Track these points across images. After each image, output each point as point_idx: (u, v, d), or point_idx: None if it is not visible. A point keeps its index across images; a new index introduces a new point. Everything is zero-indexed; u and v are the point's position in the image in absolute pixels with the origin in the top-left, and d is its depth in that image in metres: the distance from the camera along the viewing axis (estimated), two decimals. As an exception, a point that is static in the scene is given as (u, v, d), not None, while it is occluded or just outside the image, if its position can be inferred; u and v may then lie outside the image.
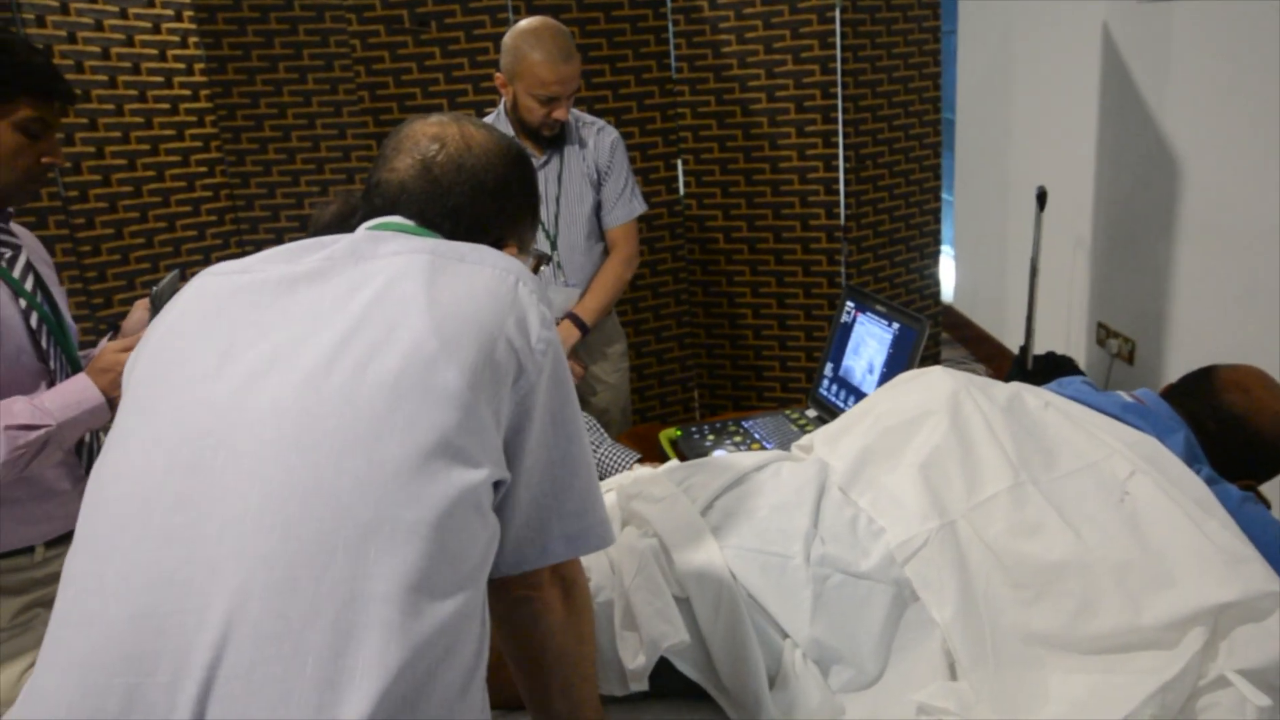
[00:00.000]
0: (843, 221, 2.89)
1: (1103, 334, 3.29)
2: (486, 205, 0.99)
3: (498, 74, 2.17)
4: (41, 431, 1.27)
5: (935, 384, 1.38)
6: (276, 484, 0.74)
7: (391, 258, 0.87)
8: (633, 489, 1.38)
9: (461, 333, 0.81)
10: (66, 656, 0.72)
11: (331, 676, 0.68)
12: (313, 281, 0.86)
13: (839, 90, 2.80)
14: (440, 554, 0.75)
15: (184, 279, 1.52)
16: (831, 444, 1.42)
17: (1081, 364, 3.38)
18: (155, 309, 1.42)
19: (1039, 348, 3.29)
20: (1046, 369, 3.17)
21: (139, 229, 2.65)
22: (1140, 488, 1.20)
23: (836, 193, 2.88)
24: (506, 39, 2.13)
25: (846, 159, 2.87)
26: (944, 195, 5.18)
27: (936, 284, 3.25)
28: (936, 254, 3.21)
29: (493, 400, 0.82)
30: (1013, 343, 4.11)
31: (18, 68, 1.30)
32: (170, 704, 0.68)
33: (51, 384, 1.38)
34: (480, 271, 0.87)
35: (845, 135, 2.84)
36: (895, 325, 1.97)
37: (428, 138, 0.99)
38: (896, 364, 1.95)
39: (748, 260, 3.02)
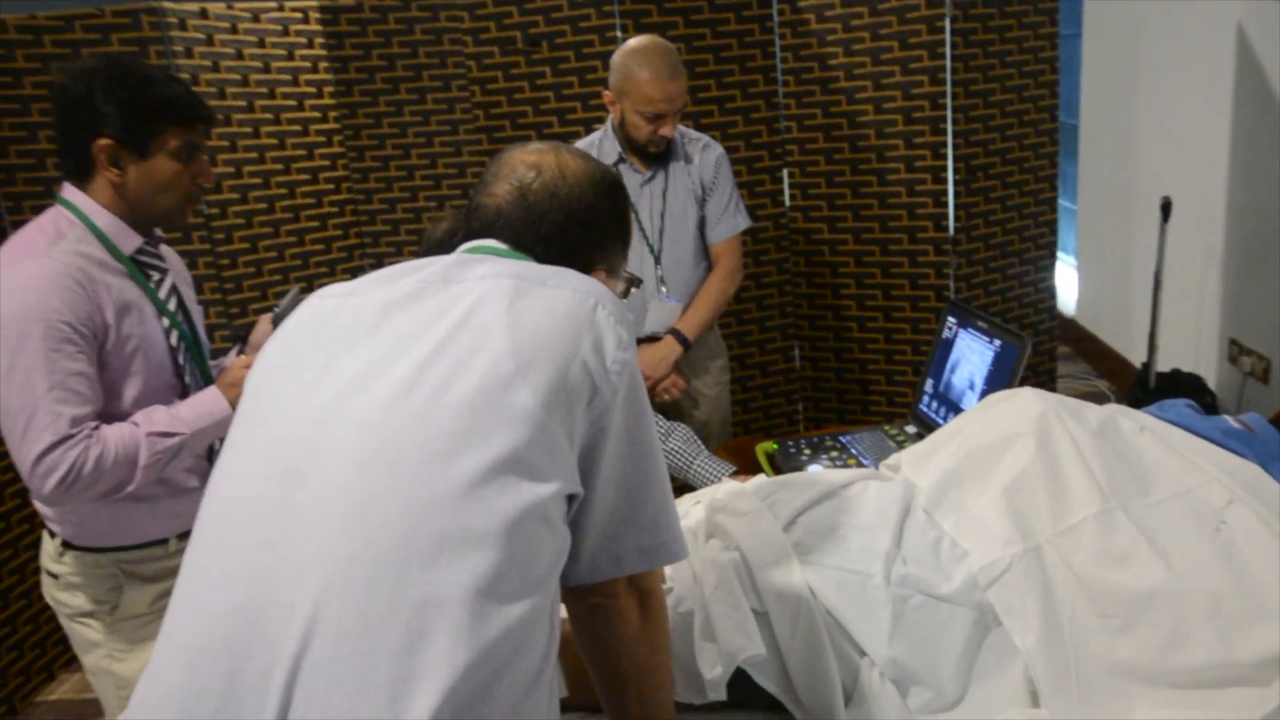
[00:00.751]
0: (951, 234, 2.85)
1: (1235, 351, 3.12)
2: (576, 231, 1.04)
3: (606, 91, 2.23)
4: (177, 439, 1.40)
5: (1024, 406, 1.36)
6: (360, 493, 0.80)
7: (479, 281, 0.92)
8: (720, 502, 1.41)
9: (538, 355, 0.86)
10: (178, 639, 0.81)
11: (404, 673, 0.74)
12: (406, 305, 0.92)
13: (948, 101, 2.75)
14: (508, 562, 0.80)
15: (304, 295, 1.65)
16: (918, 464, 1.42)
17: (1211, 383, 3.22)
18: (276, 325, 1.54)
19: (1164, 364, 3.15)
20: (1171, 388, 3.04)
21: (271, 243, 2.84)
22: (1238, 517, 1.16)
23: (945, 205, 2.84)
24: (615, 57, 2.20)
25: (956, 171, 2.82)
26: (1066, 203, 5.00)
27: (1052, 296, 3.15)
28: (1051, 266, 3.12)
29: (566, 419, 0.86)
30: (1138, 358, 3.93)
31: (162, 100, 1.42)
32: (263, 688, 0.75)
33: (185, 395, 1.51)
34: (560, 295, 0.91)
35: (955, 147, 2.80)
36: (997, 342, 1.94)
37: (525, 165, 1.04)
38: (997, 381, 1.91)
39: (854, 273, 3.00)
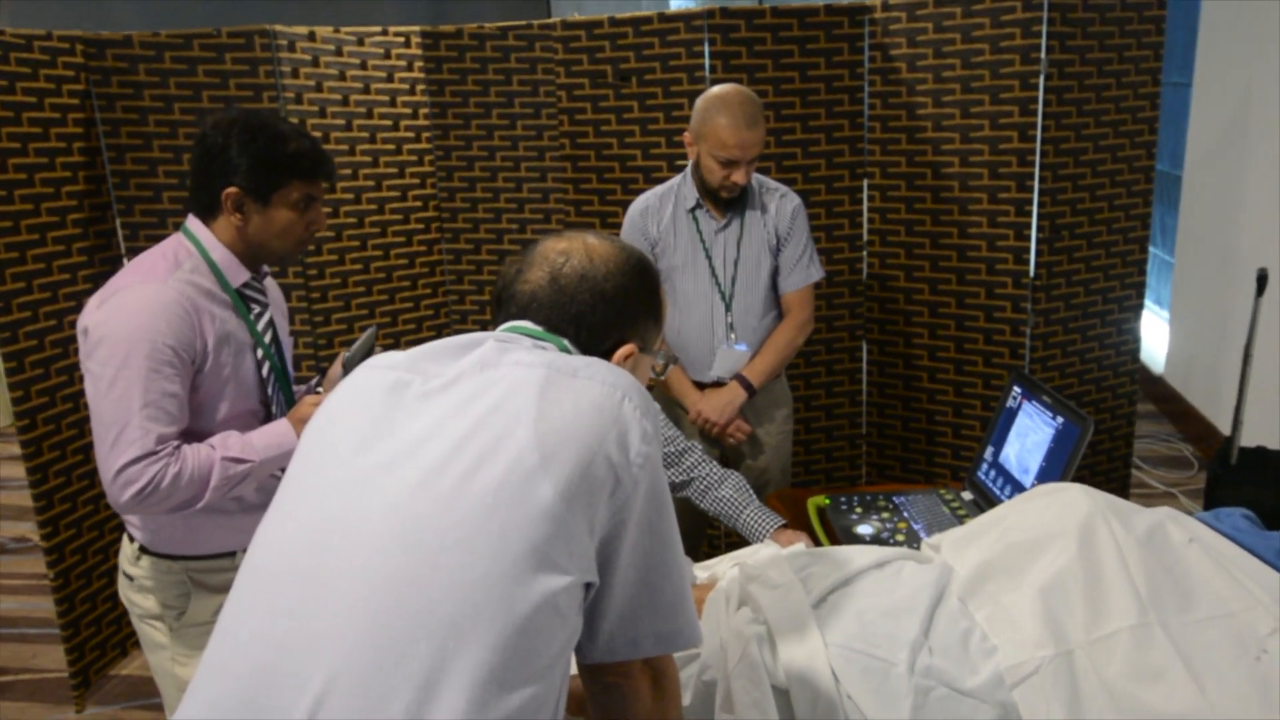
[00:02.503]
0: (1030, 294, 2.80)
1: (1326, 432, 2.99)
2: (606, 310, 1.08)
3: (687, 133, 2.27)
4: (247, 465, 1.49)
5: (1071, 504, 1.34)
6: (379, 575, 0.85)
7: (512, 368, 0.96)
8: (754, 570, 1.43)
9: (562, 448, 0.89)
10: (204, 692, 0.87)
11: None
12: (446, 388, 0.97)
13: (1037, 159, 2.71)
14: (515, 651, 0.83)
15: (377, 337, 1.73)
16: (958, 550, 1.42)
17: (1298, 462, 3.08)
18: (346, 369, 1.62)
19: (1250, 440, 3.03)
20: (1255, 466, 2.92)
21: (358, 255, 2.95)
22: (1280, 648, 1.14)
23: (1026, 263, 2.79)
24: (698, 101, 2.23)
25: (1040, 229, 2.77)
26: (1163, 255, 4.84)
27: (1135, 350, 3.06)
28: (1137, 323, 3.03)
29: (587, 511, 0.90)
30: (1226, 425, 3.79)
31: (290, 156, 1.53)
32: None
33: (267, 421, 1.60)
34: (589, 387, 0.95)
35: (1041, 205, 2.75)
36: (1060, 419, 1.91)
37: (555, 252, 1.10)
38: (1055, 460, 1.89)
39: (927, 323, 2.98)
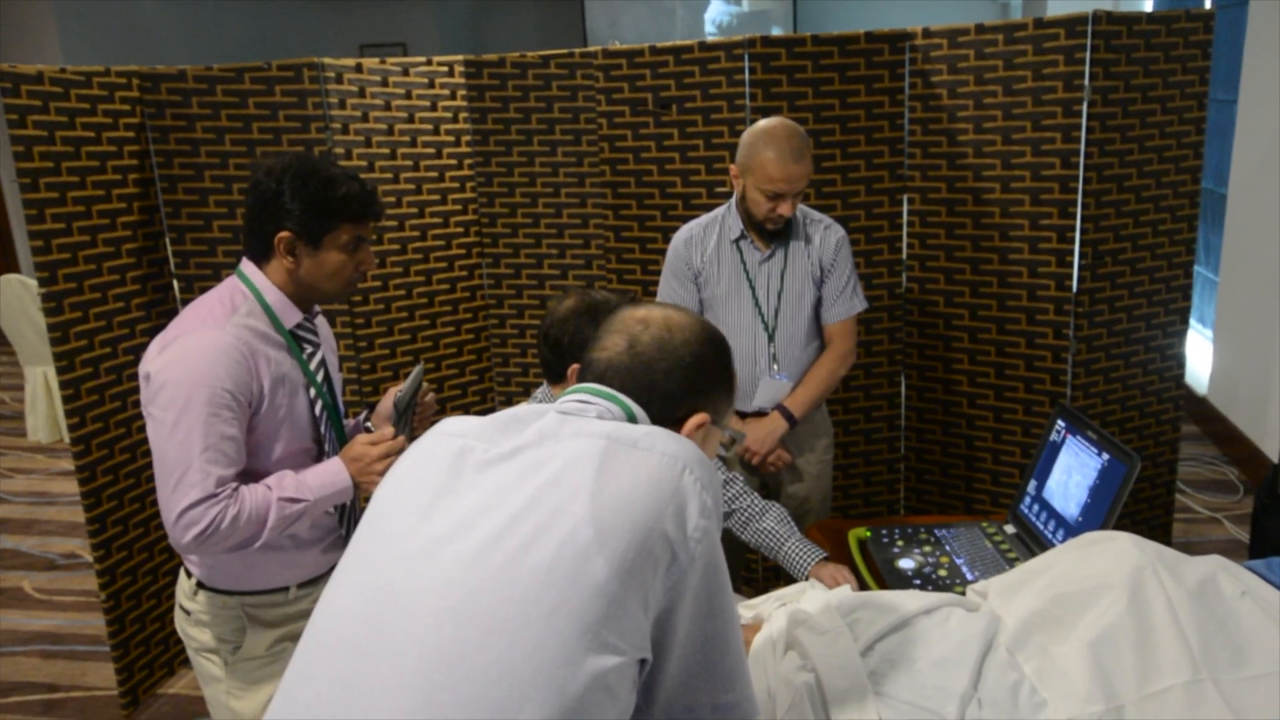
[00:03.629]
0: (1073, 319, 2.78)
1: (1377, 461, 2.94)
2: (681, 379, 1.09)
3: (732, 166, 2.29)
4: (302, 505, 1.53)
5: (1121, 555, 1.34)
6: (430, 650, 0.86)
7: (573, 440, 0.97)
8: (801, 615, 1.44)
9: (617, 524, 0.90)
10: None
11: None
12: (506, 458, 0.98)
13: (1079, 185, 2.70)
14: None
15: (424, 375, 1.76)
16: (1005, 597, 1.42)
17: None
18: (397, 408, 1.66)
19: (1297, 466, 2.99)
20: (1301, 494, 2.88)
21: (405, 308, 3.00)
22: (1336, 708, 1.13)
23: (1068, 289, 2.77)
24: (745, 134, 2.25)
25: (1083, 255, 2.75)
26: (1207, 273, 4.78)
27: (1180, 370, 3.02)
28: (1179, 356, 3.01)
29: (641, 588, 0.90)
30: (1272, 449, 3.73)
31: (340, 199, 1.57)
32: None
33: (320, 459, 1.64)
34: (649, 459, 0.95)
35: (1084, 231, 2.73)
36: (1105, 456, 1.90)
37: (635, 320, 1.12)
38: (1101, 497, 1.88)
39: (967, 349, 2.97)
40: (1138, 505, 3.07)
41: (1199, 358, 4.67)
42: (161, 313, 2.76)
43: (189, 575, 1.66)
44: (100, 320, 2.56)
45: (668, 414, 1.08)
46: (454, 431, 1.04)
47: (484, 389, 3.25)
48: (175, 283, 2.86)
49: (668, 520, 0.92)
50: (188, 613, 1.66)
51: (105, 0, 7.45)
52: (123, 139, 2.64)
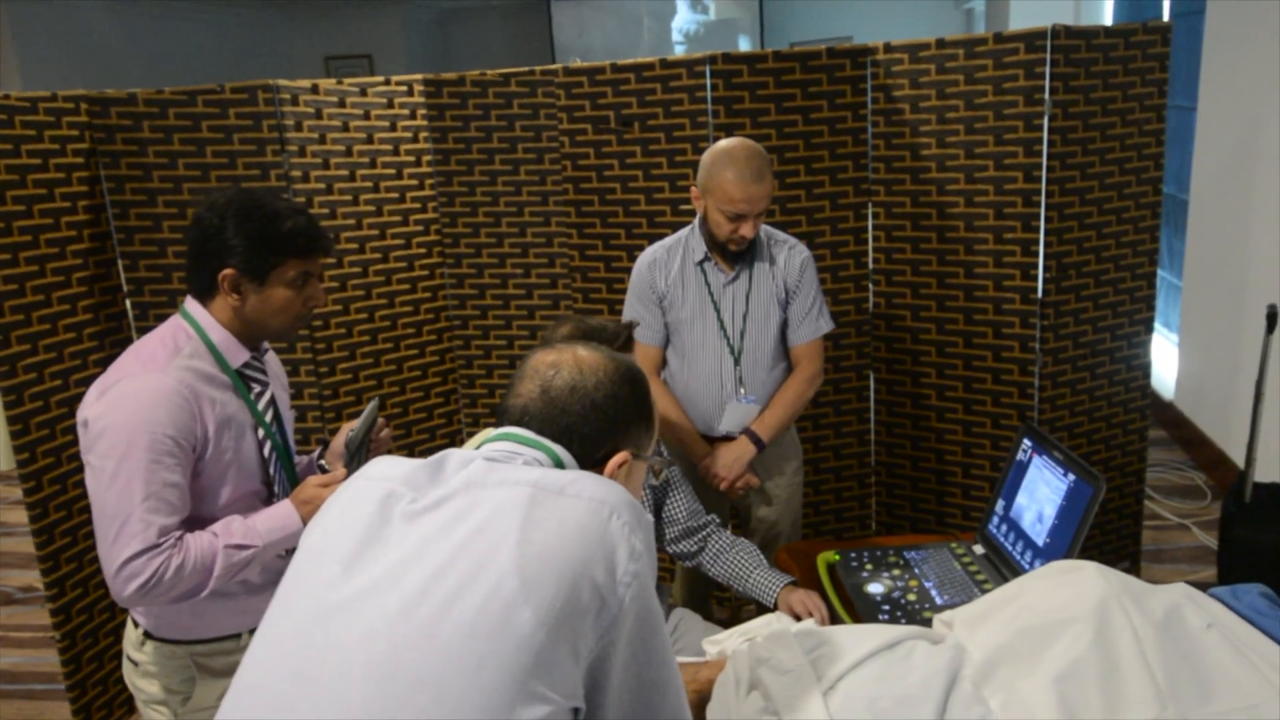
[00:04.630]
0: (1039, 332, 2.78)
1: (1341, 467, 2.96)
2: (598, 419, 1.08)
3: (693, 187, 2.26)
4: (250, 551, 1.48)
5: (1086, 586, 1.32)
6: (354, 708, 0.85)
7: (498, 488, 0.96)
8: (763, 651, 1.41)
9: (544, 573, 0.88)
10: None
11: None
12: (432, 507, 0.96)
13: (1042, 199, 2.70)
14: None
15: (379, 412, 1.72)
16: (971, 629, 1.40)
17: (1313, 496, 3.05)
18: (348, 448, 1.61)
19: (1265, 475, 3.00)
20: (1269, 504, 2.89)
21: (367, 331, 2.95)
22: (1301, 745, 1.11)
23: (1033, 301, 2.77)
24: (705, 155, 2.23)
25: (1047, 268, 2.76)
26: (1170, 278, 4.81)
27: (1144, 395, 3.04)
28: (1145, 366, 3.02)
29: (570, 637, 0.88)
30: (1238, 454, 3.75)
31: (285, 235, 1.52)
32: None
33: (270, 501, 1.59)
34: (575, 506, 0.94)
35: (1047, 244, 2.74)
36: (1071, 477, 1.89)
37: (546, 365, 1.10)
38: (1068, 518, 1.86)
39: (934, 362, 2.96)
40: (1107, 515, 3.08)
41: (1165, 362, 4.70)
42: (115, 342, 2.70)
43: (135, 625, 1.60)
44: (50, 352, 2.50)
45: (588, 455, 1.08)
46: (382, 476, 1.02)
47: (449, 410, 3.21)
48: (130, 310, 2.80)
49: (596, 567, 0.91)
50: (135, 664, 1.61)
51: (62, 18, 7.34)
52: (71, 165, 2.58)
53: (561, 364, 1.10)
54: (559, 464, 1.05)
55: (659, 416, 1.20)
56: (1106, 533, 3.10)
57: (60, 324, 2.53)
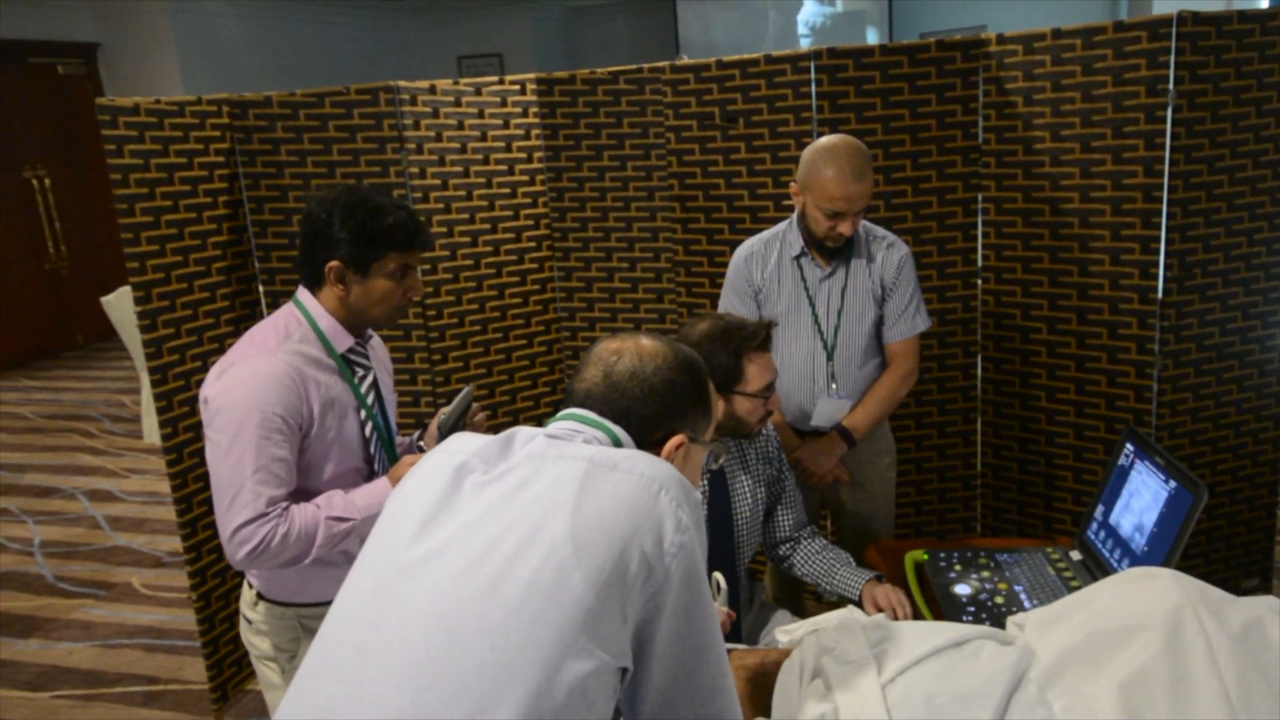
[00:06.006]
0: (1158, 334, 2.66)
1: None
2: (654, 403, 1.15)
3: (793, 183, 2.27)
4: (349, 523, 1.60)
5: (1160, 594, 1.29)
6: (419, 654, 0.94)
7: (557, 462, 1.04)
8: (830, 642, 1.43)
9: (595, 540, 0.96)
10: None
11: None
12: (499, 478, 1.05)
13: (1164, 194, 2.58)
14: None
15: (474, 397, 1.81)
16: (1042, 631, 1.38)
17: None
18: (440, 430, 1.71)
19: None
20: None
21: (478, 321, 3.08)
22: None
23: (1153, 302, 2.65)
24: (805, 152, 2.23)
25: (1169, 266, 2.63)
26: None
27: (1278, 405, 2.86)
28: (1276, 369, 2.84)
29: (619, 600, 0.95)
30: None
31: (387, 229, 1.63)
32: None
33: (371, 479, 1.71)
34: (627, 480, 1.01)
35: (1169, 241, 2.61)
36: (1172, 483, 1.82)
37: (609, 351, 1.19)
38: (1166, 527, 1.79)
39: (1045, 363, 2.87)
40: (1235, 529, 2.92)
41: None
42: (249, 327, 2.90)
43: (250, 586, 1.75)
44: (191, 335, 2.72)
45: (645, 437, 1.15)
46: (457, 450, 1.11)
47: (555, 400, 3.31)
48: (263, 298, 3.01)
49: (645, 537, 0.97)
50: (249, 622, 1.75)
51: (221, 28, 7.88)
52: (213, 164, 2.80)
53: (624, 351, 1.18)
54: (617, 443, 1.12)
55: None
56: (1234, 546, 2.94)
57: (200, 310, 2.75)
